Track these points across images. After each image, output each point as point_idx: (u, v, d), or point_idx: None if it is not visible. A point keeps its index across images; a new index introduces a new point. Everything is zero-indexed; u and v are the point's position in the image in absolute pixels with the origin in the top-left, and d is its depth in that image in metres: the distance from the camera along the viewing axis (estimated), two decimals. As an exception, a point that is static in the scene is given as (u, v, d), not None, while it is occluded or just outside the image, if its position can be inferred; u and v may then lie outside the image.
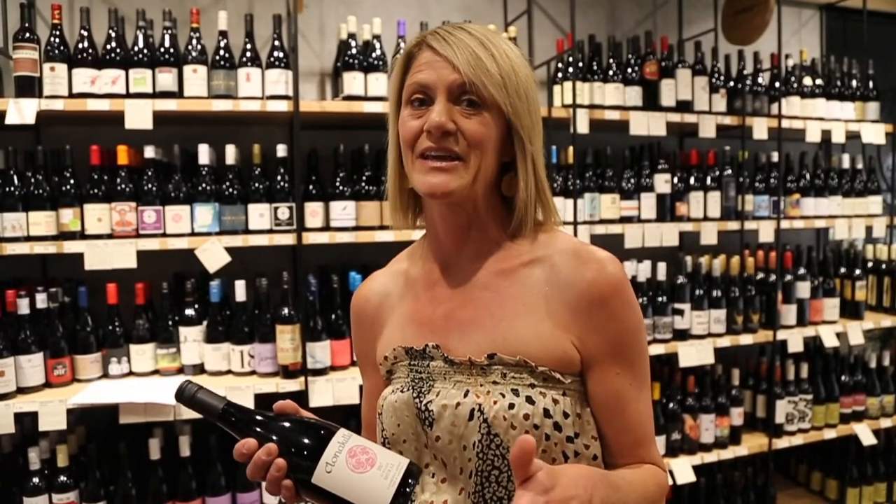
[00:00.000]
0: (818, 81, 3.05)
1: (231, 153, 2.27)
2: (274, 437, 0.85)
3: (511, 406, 0.88)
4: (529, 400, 0.88)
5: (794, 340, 2.86)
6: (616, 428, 0.93)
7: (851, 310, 3.08)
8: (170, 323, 2.22)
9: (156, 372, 2.23)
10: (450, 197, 0.91)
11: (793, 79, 3.01)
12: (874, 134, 3.07)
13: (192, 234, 2.18)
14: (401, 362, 0.99)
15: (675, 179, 2.77)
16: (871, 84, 3.17)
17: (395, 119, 0.98)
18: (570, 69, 2.57)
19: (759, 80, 2.92)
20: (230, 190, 2.23)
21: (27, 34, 2.05)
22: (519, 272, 0.95)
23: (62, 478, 2.01)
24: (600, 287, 0.91)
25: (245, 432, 0.87)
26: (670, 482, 2.58)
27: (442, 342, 0.95)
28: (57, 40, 2.08)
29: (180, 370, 2.24)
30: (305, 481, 0.84)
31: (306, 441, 0.85)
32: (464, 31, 0.91)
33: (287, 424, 0.87)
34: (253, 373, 2.24)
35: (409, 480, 0.83)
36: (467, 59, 0.88)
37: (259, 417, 0.89)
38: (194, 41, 2.19)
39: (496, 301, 0.95)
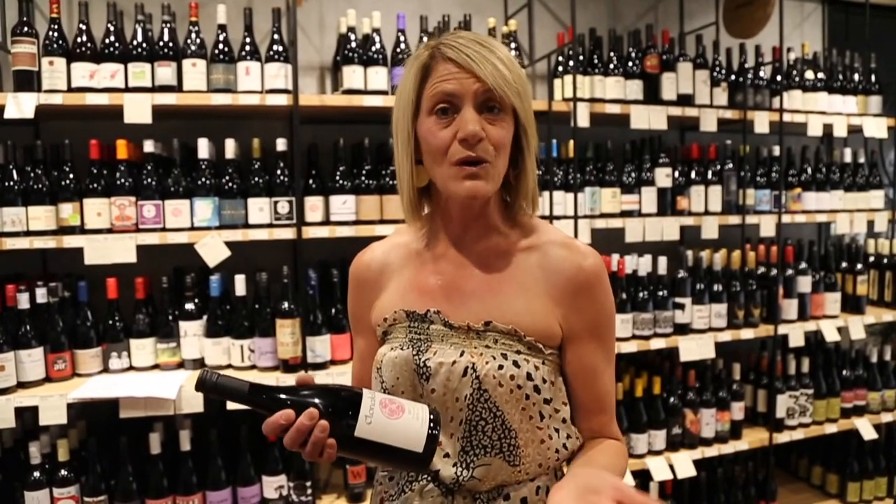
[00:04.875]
0: (820, 75, 3.04)
1: (230, 147, 2.27)
2: (309, 403, 0.91)
3: (500, 367, 1.02)
4: (516, 364, 1.02)
5: (795, 335, 2.86)
6: (588, 395, 1.10)
7: (853, 304, 3.07)
8: (170, 317, 2.22)
9: (156, 366, 2.23)
10: (484, 198, 1.04)
11: (794, 72, 2.99)
12: (876, 128, 3.06)
13: (192, 228, 2.18)
14: (399, 324, 1.10)
15: (676, 173, 2.76)
16: (873, 78, 3.16)
17: (406, 125, 1.06)
18: (571, 63, 2.56)
19: (761, 73, 2.91)
20: (230, 184, 2.23)
21: (25, 28, 2.04)
22: (516, 256, 1.10)
23: (63, 472, 2.01)
24: (586, 275, 1.06)
25: (277, 406, 0.92)
26: (670, 477, 2.60)
27: (442, 308, 1.07)
28: (55, 34, 2.08)
29: (180, 365, 2.24)
30: (348, 437, 0.91)
31: (341, 402, 0.93)
32: (475, 42, 1.01)
33: (315, 391, 0.94)
34: (253, 367, 2.24)
35: (432, 422, 0.94)
36: (490, 70, 0.98)
37: (286, 390, 0.94)
38: (193, 35, 2.18)
39: (495, 279, 1.08)
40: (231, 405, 2.12)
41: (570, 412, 1.10)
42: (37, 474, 2.00)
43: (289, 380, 2.18)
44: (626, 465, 1.11)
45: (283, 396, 0.93)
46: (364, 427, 0.91)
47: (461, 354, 1.03)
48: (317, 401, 0.92)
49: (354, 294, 1.21)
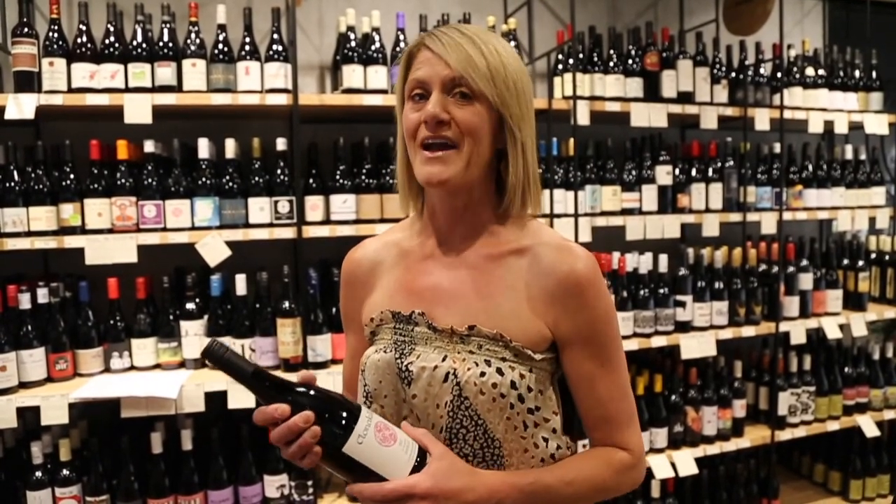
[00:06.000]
0: (821, 72, 3.03)
1: (231, 147, 2.27)
2: (308, 406, 0.90)
3: (482, 374, 0.98)
4: (499, 371, 0.99)
5: (797, 332, 2.86)
6: (587, 404, 1.06)
7: (854, 301, 3.07)
8: (171, 317, 2.23)
9: (157, 366, 2.23)
10: (445, 185, 1.00)
11: (795, 69, 2.99)
12: (877, 124, 3.05)
13: (193, 228, 2.18)
14: (386, 325, 1.08)
15: (677, 171, 2.76)
16: (874, 74, 3.15)
17: (401, 114, 1.07)
18: (571, 61, 2.55)
19: (761, 70, 2.90)
20: (230, 184, 2.23)
21: (26, 29, 2.04)
22: (506, 258, 1.06)
23: (65, 472, 2.02)
24: (576, 277, 1.02)
25: (275, 398, 0.91)
26: (672, 475, 2.60)
27: (428, 310, 1.05)
28: (56, 35, 2.08)
29: (182, 364, 2.24)
30: (335, 450, 0.90)
31: (338, 413, 0.91)
32: (456, 31, 1.01)
33: (316, 395, 0.93)
34: (254, 366, 2.24)
35: (418, 458, 0.93)
36: (457, 55, 0.98)
37: (288, 385, 0.93)
38: (193, 35, 2.18)
39: (482, 280, 1.05)
40: (233, 404, 2.12)
41: (560, 421, 1.05)
42: (39, 474, 2.00)
43: (290, 378, 2.18)
44: (614, 475, 1.04)
45: (283, 390, 0.92)
46: (354, 445, 0.90)
47: (443, 359, 1.00)
48: (315, 406, 0.91)
49: (346, 292, 1.20)
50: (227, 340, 2.23)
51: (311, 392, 0.93)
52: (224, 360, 0.90)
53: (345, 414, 0.91)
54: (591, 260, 1.04)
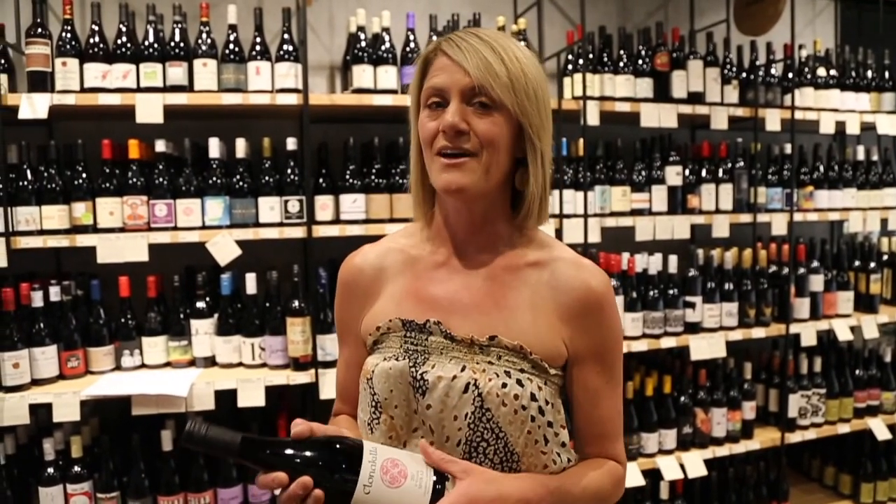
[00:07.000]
0: (832, 72, 3.01)
1: (241, 147, 2.28)
2: (304, 467, 0.85)
3: (504, 385, 0.97)
4: (519, 383, 0.98)
5: (808, 334, 2.84)
6: (588, 420, 1.06)
7: (866, 303, 3.05)
8: (181, 316, 2.24)
9: (168, 364, 2.25)
10: (463, 193, 0.98)
11: (806, 69, 2.97)
12: (890, 125, 3.03)
13: (203, 227, 2.19)
14: (394, 333, 1.04)
15: (687, 172, 2.75)
16: (886, 74, 3.13)
17: (416, 120, 1.04)
18: (581, 61, 2.55)
19: (772, 71, 2.89)
20: (240, 183, 2.24)
21: (39, 30, 2.06)
22: (524, 270, 1.05)
23: (76, 468, 2.03)
24: (596, 296, 1.02)
25: (270, 463, 0.85)
26: (680, 476, 2.59)
27: (443, 319, 1.01)
28: (68, 35, 2.10)
29: (192, 363, 2.25)
30: None
31: (338, 466, 0.86)
32: (475, 37, 0.97)
33: (312, 451, 0.87)
34: (264, 365, 2.25)
35: (437, 486, 0.89)
36: (477, 63, 0.94)
37: (281, 446, 0.86)
38: (204, 35, 2.19)
39: (500, 292, 1.03)
40: (243, 403, 2.13)
41: (568, 435, 1.05)
42: (51, 470, 2.02)
43: (299, 378, 2.19)
44: (613, 486, 1.06)
45: (277, 455, 0.86)
46: (362, 496, 0.85)
47: (462, 369, 0.97)
48: (312, 465, 0.85)
49: (343, 299, 1.14)
50: (237, 339, 2.25)
51: (307, 451, 0.86)
52: (207, 440, 0.83)
53: (343, 465, 0.86)
54: (606, 278, 1.05)
